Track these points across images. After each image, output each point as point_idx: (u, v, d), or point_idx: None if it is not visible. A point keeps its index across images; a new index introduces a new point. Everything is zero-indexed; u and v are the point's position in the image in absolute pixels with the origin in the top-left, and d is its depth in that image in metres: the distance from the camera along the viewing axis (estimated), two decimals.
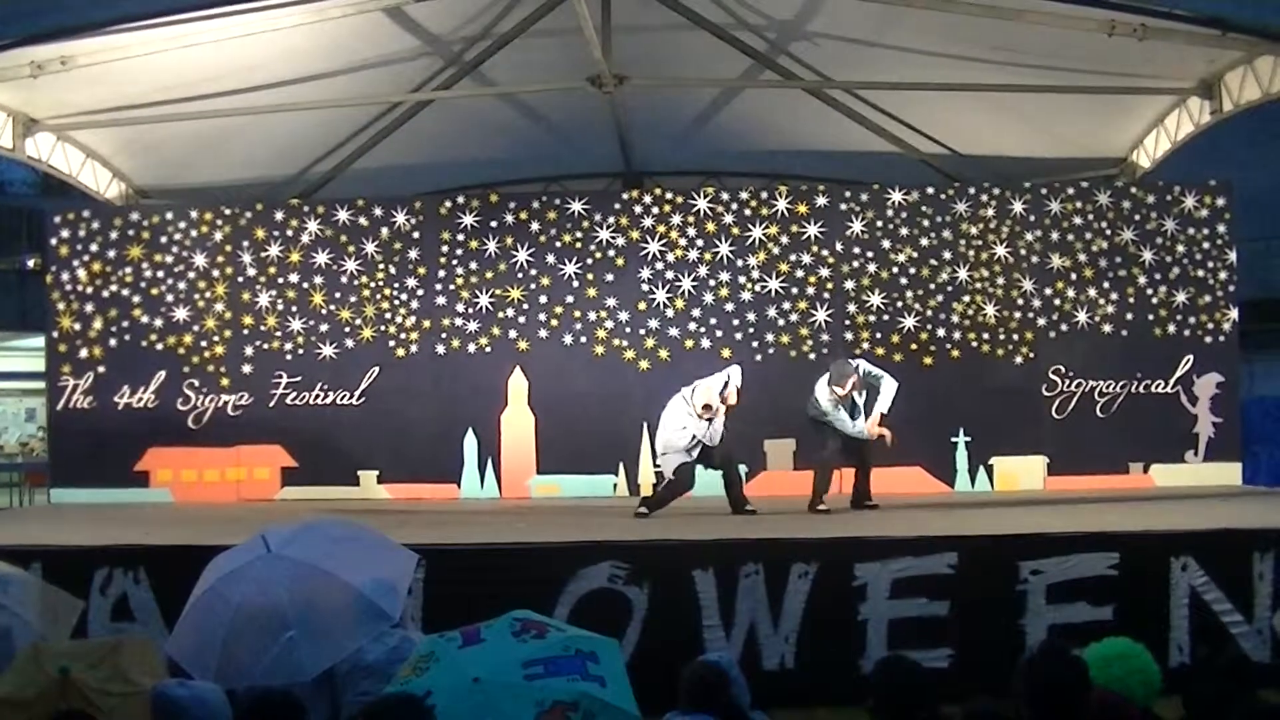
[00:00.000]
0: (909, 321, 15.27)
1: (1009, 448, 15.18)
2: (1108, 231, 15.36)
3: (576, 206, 15.57)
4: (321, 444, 15.49)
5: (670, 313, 15.17)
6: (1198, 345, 15.23)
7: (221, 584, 6.50)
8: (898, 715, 5.36)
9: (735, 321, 15.26)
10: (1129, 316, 15.26)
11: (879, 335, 15.29)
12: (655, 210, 15.54)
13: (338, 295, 15.59)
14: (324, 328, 15.57)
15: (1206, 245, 15.34)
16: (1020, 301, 15.30)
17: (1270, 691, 5.75)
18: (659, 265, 15.44)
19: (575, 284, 15.12)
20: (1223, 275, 15.34)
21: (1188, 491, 14.30)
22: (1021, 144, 16.87)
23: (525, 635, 5.56)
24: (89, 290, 15.75)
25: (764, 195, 15.66)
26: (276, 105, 15.40)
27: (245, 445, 15.59)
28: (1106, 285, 15.30)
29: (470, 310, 15.46)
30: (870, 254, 15.40)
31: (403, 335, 15.52)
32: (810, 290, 15.34)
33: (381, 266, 15.59)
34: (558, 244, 15.51)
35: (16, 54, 13.06)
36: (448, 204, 15.80)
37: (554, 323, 15.16)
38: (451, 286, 15.52)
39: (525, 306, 15.30)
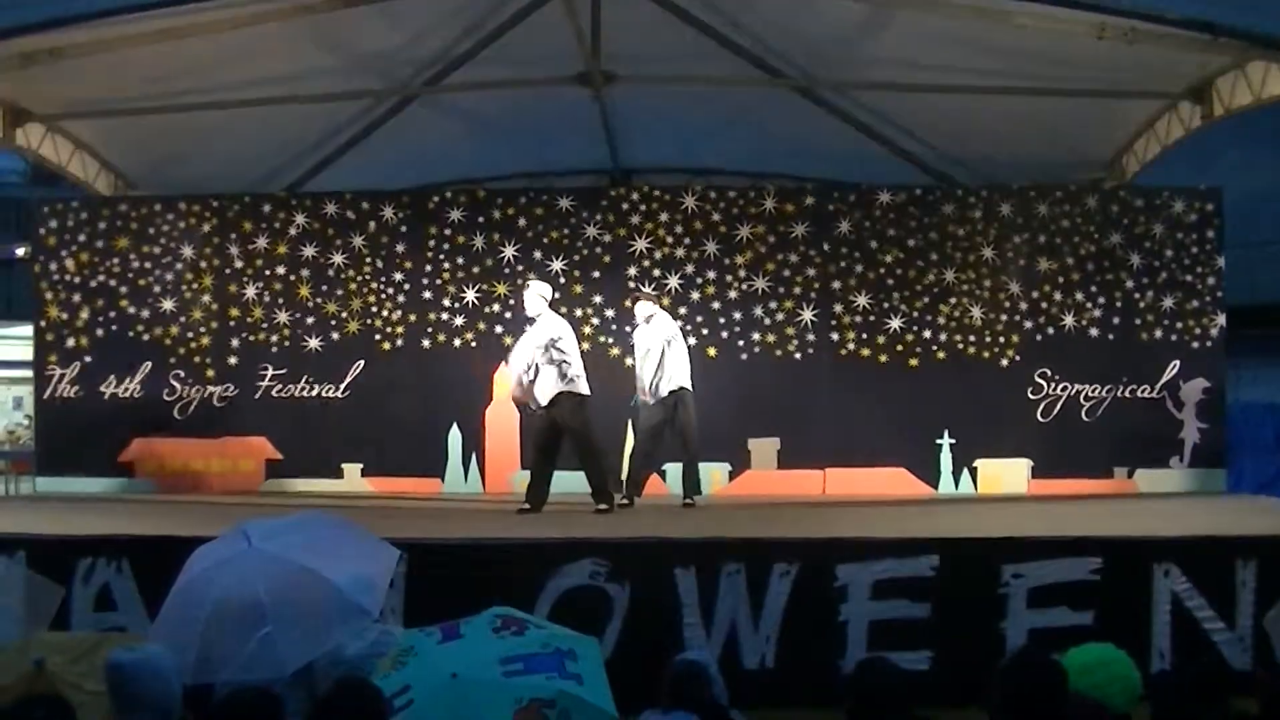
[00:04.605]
0: (895, 322, 15.26)
1: (993, 450, 15.15)
2: (1095, 235, 15.35)
3: (564, 203, 15.56)
4: (306, 436, 15.49)
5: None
6: (1184, 350, 15.21)
7: (201, 577, 6.50)
8: (875, 717, 5.37)
9: (721, 320, 15.25)
10: (1115, 321, 15.25)
11: (864, 336, 15.28)
12: (642, 208, 15.54)
13: (324, 288, 15.58)
14: (310, 320, 15.57)
15: (1195, 250, 15.32)
16: (1007, 304, 15.29)
17: (1248, 700, 5.75)
18: (645, 263, 15.44)
19: (561, 280, 15.07)
20: (1210, 281, 15.31)
21: (1171, 497, 14.36)
22: (1010, 146, 16.82)
23: (505, 632, 5.58)
24: (76, 280, 15.74)
25: (751, 194, 15.65)
26: (265, 98, 15.36)
27: (230, 437, 15.59)
28: (1093, 289, 15.29)
29: (456, 305, 15.45)
30: (857, 254, 15.38)
31: (388, 329, 15.52)
32: (797, 290, 15.34)
33: (368, 260, 15.58)
34: (544, 240, 15.50)
35: (6, 45, 12.98)
36: (435, 199, 15.81)
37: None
38: (438, 281, 15.51)
39: (511, 302, 15.28)
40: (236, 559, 6.49)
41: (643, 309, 13.64)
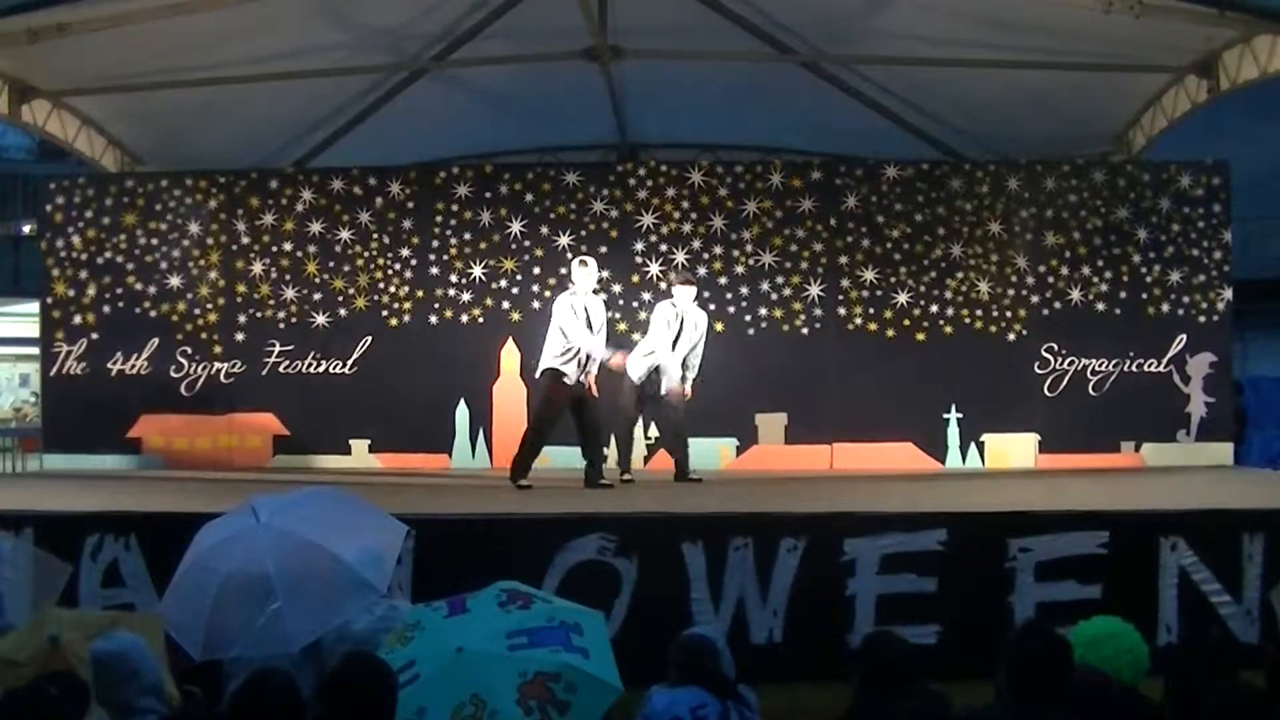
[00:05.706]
0: (902, 297, 15.25)
1: (1000, 425, 15.16)
2: (1102, 209, 15.32)
3: (571, 178, 15.55)
4: (313, 412, 15.49)
5: (663, 285, 15.10)
6: (1191, 324, 15.20)
7: (209, 553, 6.52)
8: (882, 691, 5.38)
9: (728, 295, 15.25)
10: (1122, 295, 15.24)
11: (872, 310, 15.27)
12: (650, 183, 15.52)
13: (331, 264, 15.58)
14: (317, 296, 15.57)
15: (1202, 224, 15.30)
16: (1014, 278, 15.27)
17: (1254, 672, 5.75)
18: (653, 238, 15.43)
19: (569, 255, 15.03)
20: (1217, 254, 15.29)
21: (1179, 471, 14.36)
22: (1017, 120, 16.81)
23: (511, 606, 5.58)
24: (83, 257, 15.74)
25: (759, 169, 15.64)
26: (273, 73, 15.35)
27: (237, 413, 15.59)
28: (1100, 263, 15.28)
29: (463, 281, 15.45)
30: (864, 229, 15.36)
31: (396, 305, 15.52)
32: (804, 265, 15.32)
33: (375, 236, 15.57)
34: (551, 215, 15.49)
35: (14, 20, 13.00)
36: (442, 174, 15.78)
37: (547, 294, 14.97)
38: (445, 257, 15.50)
39: (519, 278, 15.30)
40: (244, 535, 6.50)
41: (686, 292, 13.44)
